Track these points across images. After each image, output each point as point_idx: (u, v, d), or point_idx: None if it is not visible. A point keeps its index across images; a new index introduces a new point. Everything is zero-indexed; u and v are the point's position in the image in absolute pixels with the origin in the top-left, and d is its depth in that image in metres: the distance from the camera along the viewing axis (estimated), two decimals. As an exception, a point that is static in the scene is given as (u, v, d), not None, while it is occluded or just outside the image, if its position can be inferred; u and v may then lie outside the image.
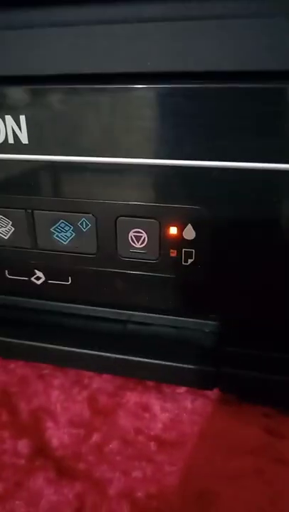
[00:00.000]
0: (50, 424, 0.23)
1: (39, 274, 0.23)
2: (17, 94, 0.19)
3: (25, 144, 0.20)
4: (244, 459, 0.21)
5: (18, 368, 0.26)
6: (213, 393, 0.24)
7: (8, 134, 0.20)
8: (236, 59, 0.16)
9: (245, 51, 0.16)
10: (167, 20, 0.16)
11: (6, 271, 0.24)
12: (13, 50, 0.19)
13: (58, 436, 0.22)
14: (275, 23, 0.16)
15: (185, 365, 0.23)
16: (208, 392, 0.24)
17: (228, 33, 0.16)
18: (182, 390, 0.25)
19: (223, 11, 0.16)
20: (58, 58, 0.18)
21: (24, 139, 0.20)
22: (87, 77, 0.18)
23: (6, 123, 0.20)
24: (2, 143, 0.20)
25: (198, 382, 0.23)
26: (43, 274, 0.23)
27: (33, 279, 0.23)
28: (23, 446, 0.22)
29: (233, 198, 0.19)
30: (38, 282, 0.24)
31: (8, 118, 0.20)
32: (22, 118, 0.19)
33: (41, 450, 0.22)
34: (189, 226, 0.20)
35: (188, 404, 0.24)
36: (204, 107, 0.17)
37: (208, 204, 0.19)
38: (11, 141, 0.20)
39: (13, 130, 0.20)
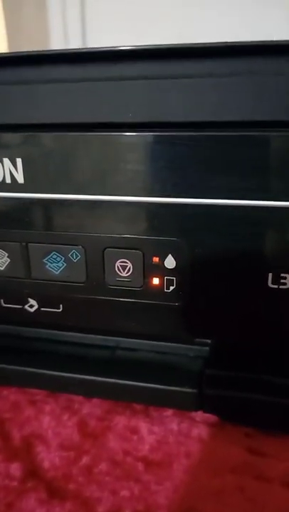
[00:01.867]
0: (41, 448, 0.24)
1: (32, 302, 0.25)
2: (14, 139, 0.21)
3: (21, 184, 0.22)
4: (227, 478, 0.22)
5: (11, 394, 0.27)
6: (199, 415, 0.25)
7: (6, 174, 0.22)
8: (205, 111, 0.19)
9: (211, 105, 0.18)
10: (143, 79, 0.19)
11: (2, 300, 0.25)
12: (12, 103, 0.21)
13: (49, 459, 0.23)
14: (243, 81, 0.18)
15: (170, 388, 0.24)
16: (194, 415, 0.25)
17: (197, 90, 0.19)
18: (169, 413, 0.26)
19: (193, 71, 0.19)
20: (51, 109, 0.21)
21: (20, 179, 0.22)
22: (76, 125, 0.20)
23: (4, 165, 0.22)
24: (0, 182, 0.22)
25: (183, 404, 0.25)
26: (36, 302, 0.25)
27: (26, 307, 0.25)
28: (16, 469, 0.22)
29: (207, 231, 0.21)
30: (32, 310, 0.25)
31: (6, 160, 0.22)
32: (18, 160, 0.21)
33: (33, 472, 0.22)
34: (170, 256, 0.22)
35: (175, 427, 0.25)
36: (180, 151, 0.19)
37: (186, 236, 0.21)
38: (8, 180, 0.22)
39: (10, 171, 0.22)
